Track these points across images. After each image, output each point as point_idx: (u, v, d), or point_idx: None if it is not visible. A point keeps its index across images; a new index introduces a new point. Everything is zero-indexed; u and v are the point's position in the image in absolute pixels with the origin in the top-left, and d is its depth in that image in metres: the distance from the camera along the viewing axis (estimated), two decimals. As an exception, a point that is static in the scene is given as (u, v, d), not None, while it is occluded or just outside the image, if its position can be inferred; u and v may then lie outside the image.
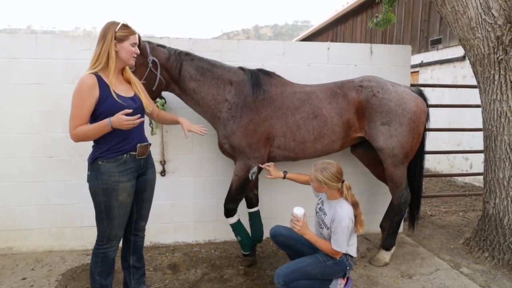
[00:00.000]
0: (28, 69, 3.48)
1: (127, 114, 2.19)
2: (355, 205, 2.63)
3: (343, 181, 2.62)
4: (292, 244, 2.81)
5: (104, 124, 2.20)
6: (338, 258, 2.62)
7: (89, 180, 2.36)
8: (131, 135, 2.35)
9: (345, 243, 2.53)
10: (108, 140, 2.29)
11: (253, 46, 3.88)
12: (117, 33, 2.28)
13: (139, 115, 2.24)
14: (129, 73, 2.47)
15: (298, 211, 2.57)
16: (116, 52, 2.30)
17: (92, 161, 2.34)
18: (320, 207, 2.76)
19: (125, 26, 2.32)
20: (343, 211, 2.54)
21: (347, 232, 2.53)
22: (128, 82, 2.47)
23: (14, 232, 3.64)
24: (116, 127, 2.20)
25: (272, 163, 3.17)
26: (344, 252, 2.58)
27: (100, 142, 2.32)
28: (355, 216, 2.62)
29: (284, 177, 3.12)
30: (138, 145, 2.39)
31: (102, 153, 2.30)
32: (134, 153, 2.38)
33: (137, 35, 2.40)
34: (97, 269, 2.43)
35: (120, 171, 2.32)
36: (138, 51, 2.42)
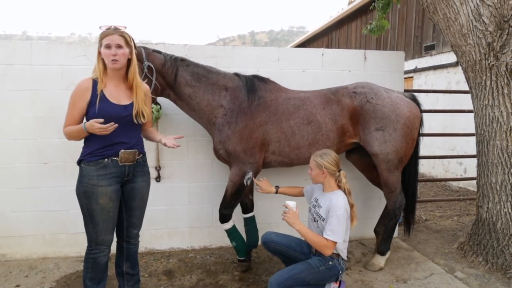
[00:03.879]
0: (23, 75, 3.48)
1: (101, 123, 2.21)
2: (349, 193, 2.69)
3: (340, 170, 2.70)
4: (284, 251, 2.82)
5: (80, 128, 2.27)
6: (330, 263, 2.61)
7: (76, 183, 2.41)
8: (115, 141, 2.35)
9: (341, 233, 2.50)
10: (93, 143, 2.34)
11: (248, 52, 3.91)
12: (98, 42, 2.34)
13: (112, 123, 2.21)
14: (134, 81, 2.40)
15: (290, 202, 2.60)
16: (103, 59, 2.33)
17: (78, 163, 2.41)
18: (314, 204, 2.78)
19: (101, 31, 2.31)
20: (338, 201, 2.58)
21: (343, 222, 2.52)
22: (131, 89, 2.42)
23: (8, 238, 3.61)
24: (91, 132, 2.25)
25: (265, 178, 3.19)
26: (340, 241, 2.52)
27: (86, 145, 2.39)
28: (350, 207, 2.66)
29: (276, 192, 3.14)
30: (121, 151, 2.37)
31: (85, 156, 2.36)
32: (117, 158, 2.37)
33: (112, 36, 2.25)
34: (88, 274, 2.43)
35: (99, 175, 2.33)
36: (115, 52, 2.25)
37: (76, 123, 2.32)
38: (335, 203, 2.58)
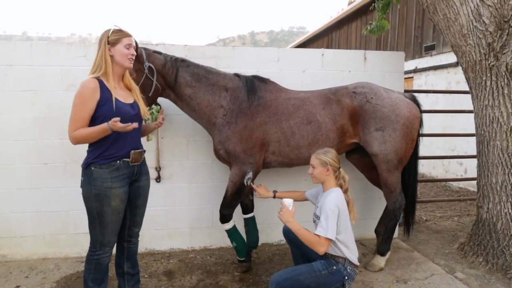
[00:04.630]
0: (23, 76, 3.48)
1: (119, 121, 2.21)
2: (346, 190, 2.67)
3: (339, 167, 2.69)
4: (302, 244, 2.69)
5: (104, 128, 2.21)
6: (334, 267, 2.53)
7: (82, 186, 2.37)
8: (125, 142, 2.36)
9: (330, 228, 2.42)
10: (102, 145, 2.31)
11: (248, 52, 3.91)
12: (109, 38, 2.33)
13: (135, 124, 2.25)
14: (129, 79, 2.49)
15: (287, 200, 2.58)
16: (112, 56, 2.33)
17: (86, 166, 2.36)
18: (316, 205, 2.77)
19: (118, 30, 2.36)
20: (330, 198, 2.55)
21: (333, 217, 2.46)
22: (129, 88, 2.49)
23: (8, 239, 3.61)
24: (115, 130, 2.22)
25: (262, 184, 3.18)
26: (330, 238, 2.43)
27: (93, 147, 2.34)
28: (347, 203, 2.63)
29: (274, 197, 3.11)
30: (132, 151, 2.39)
31: (95, 158, 2.32)
32: (128, 159, 2.38)
33: (132, 38, 2.40)
34: (90, 275, 2.42)
35: (113, 177, 2.32)
36: (134, 53, 2.41)
37: (86, 125, 2.26)
38: (327, 200, 2.55)
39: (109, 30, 2.36)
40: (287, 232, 2.85)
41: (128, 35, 2.38)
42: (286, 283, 2.47)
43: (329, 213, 2.47)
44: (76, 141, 2.26)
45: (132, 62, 2.41)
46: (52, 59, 3.52)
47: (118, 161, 2.35)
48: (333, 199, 2.54)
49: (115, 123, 2.17)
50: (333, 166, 2.64)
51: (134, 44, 2.42)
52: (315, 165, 2.68)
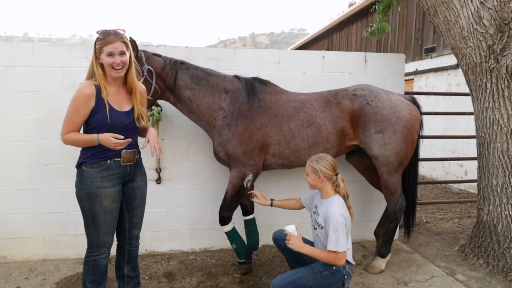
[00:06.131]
0: (24, 77, 3.48)
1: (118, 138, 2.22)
2: (346, 197, 2.65)
3: (337, 174, 2.66)
4: (292, 249, 2.76)
5: (91, 139, 2.25)
6: (334, 268, 2.54)
7: (75, 186, 2.39)
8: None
9: (342, 241, 2.45)
10: (94, 146, 2.30)
11: (249, 54, 3.91)
12: (96, 46, 2.26)
13: (129, 139, 2.25)
14: (132, 80, 2.38)
15: (289, 227, 2.56)
16: (102, 64, 2.28)
17: (78, 166, 2.38)
18: (315, 210, 2.76)
19: (101, 37, 2.23)
20: (333, 209, 2.53)
21: (342, 229, 2.47)
22: (130, 92, 2.41)
23: (8, 240, 3.61)
24: (103, 145, 2.24)
25: (259, 192, 3.14)
26: (344, 251, 2.48)
27: (86, 148, 2.35)
28: (348, 209, 2.62)
29: (271, 205, 3.09)
30: (123, 151, 2.37)
31: (86, 158, 2.33)
32: (119, 159, 2.37)
33: (116, 44, 2.21)
34: (88, 277, 2.42)
35: (103, 176, 2.32)
36: (118, 61, 2.23)
37: (77, 130, 2.29)
38: (331, 211, 2.52)
39: (97, 36, 2.26)
40: (277, 240, 2.84)
41: (109, 42, 2.20)
42: (288, 287, 2.47)
43: (338, 226, 2.46)
44: (67, 143, 2.32)
45: (121, 70, 2.27)
46: (53, 60, 3.52)
47: (108, 161, 2.34)
48: (337, 209, 2.53)
49: (110, 139, 2.18)
50: (324, 174, 2.60)
51: (120, 49, 2.23)
52: (308, 172, 2.69)
